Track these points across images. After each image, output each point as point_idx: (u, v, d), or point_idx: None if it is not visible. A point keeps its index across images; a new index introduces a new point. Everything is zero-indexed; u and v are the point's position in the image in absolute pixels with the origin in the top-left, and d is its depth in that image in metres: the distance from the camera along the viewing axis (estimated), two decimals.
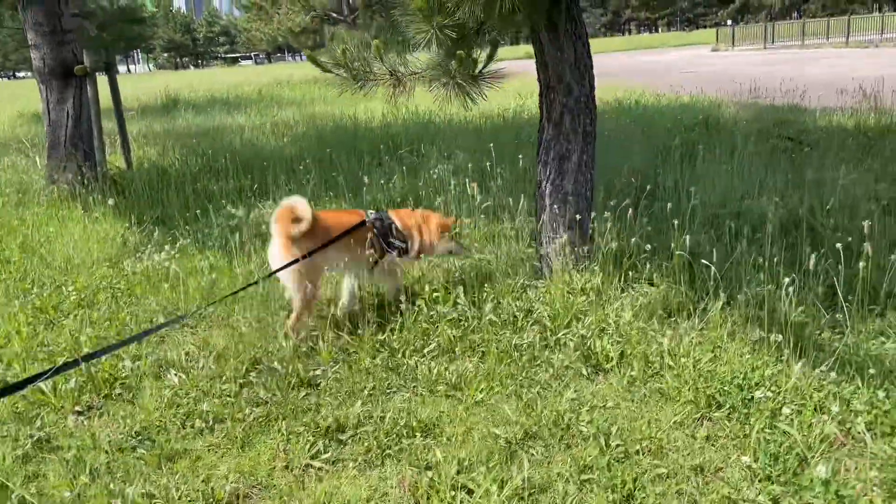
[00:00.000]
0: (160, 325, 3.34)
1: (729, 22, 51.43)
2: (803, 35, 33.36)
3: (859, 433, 2.44)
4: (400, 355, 3.22)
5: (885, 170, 5.73)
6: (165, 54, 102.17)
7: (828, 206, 4.33)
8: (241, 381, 3.04)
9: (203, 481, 2.43)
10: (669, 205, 3.79)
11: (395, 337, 3.31)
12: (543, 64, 3.69)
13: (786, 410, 2.55)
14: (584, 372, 3.03)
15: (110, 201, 5.53)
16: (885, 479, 2.22)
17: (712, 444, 2.53)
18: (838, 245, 3.03)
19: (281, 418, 2.77)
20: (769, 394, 2.65)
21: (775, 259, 3.28)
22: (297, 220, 3.29)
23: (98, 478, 2.43)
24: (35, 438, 2.67)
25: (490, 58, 3.53)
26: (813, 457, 2.35)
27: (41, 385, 2.85)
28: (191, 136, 9.80)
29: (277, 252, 3.34)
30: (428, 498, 2.29)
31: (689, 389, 2.77)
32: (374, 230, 3.58)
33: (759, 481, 2.29)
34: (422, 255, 3.78)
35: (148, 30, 15.73)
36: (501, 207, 4.49)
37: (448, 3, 3.01)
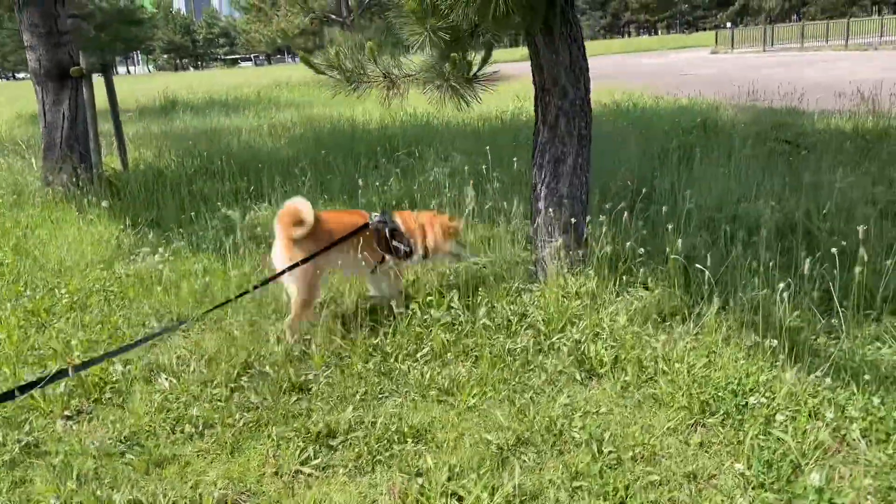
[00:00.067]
0: (158, 332, 3.31)
1: (728, 24, 51.54)
2: (802, 38, 33.38)
3: (854, 440, 2.42)
4: (392, 360, 3.19)
5: (883, 173, 5.71)
6: (165, 56, 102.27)
7: (824, 210, 4.31)
8: (233, 385, 3.01)
9: (191, 487, 2.40)
10: (665, 208, 3.77)
11: (387, 341, 3.29)
12: (539, 67, 3.67)
13: (780, 417, 2.51)
14: (578, 377, 3.01)
15: (105, 203, 5.50)
16: (879, 486, 2.20)
17: (706, 451, 2.50)
18: (834, 249, 3.01)
19: (271, 423, 2.74)
20: (763, 400, 2.62)
21: (771, 263, 3.25)
22: (299, 222, 3.27)
23: (85, 483, 2.40)
24: (23, 443, 2.64)
25: (485, 60, 3.51)
26: (807, 464, 2.33)
27: None
28: (188, 138, 9.77)
29: (279, 253, 3.33)
30: None
31: (682, 395, 2.75)
32: (377, 233, 3.54)
33: (753, 489, 2.27)
34: (426, 259, 3.72)
35: (146, 31, 15.74)
36: (497, 210, 4.47)
37: (442, 6, 2.98)
